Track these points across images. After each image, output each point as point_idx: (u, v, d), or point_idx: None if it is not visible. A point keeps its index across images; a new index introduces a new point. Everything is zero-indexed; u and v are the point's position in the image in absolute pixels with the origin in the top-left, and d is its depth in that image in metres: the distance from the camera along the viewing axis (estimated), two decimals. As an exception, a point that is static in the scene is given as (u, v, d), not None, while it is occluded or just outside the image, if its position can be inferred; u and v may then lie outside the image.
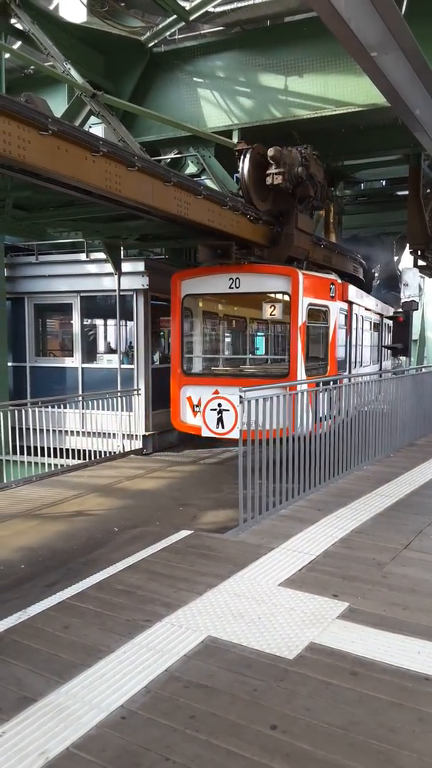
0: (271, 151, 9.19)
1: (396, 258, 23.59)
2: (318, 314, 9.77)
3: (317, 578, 4.16)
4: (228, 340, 11.76)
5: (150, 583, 4.10)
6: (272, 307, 9.66)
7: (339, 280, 10.49)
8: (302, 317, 9.21)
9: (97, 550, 5.26)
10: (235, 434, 5.49)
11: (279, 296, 9.67)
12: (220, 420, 5.81)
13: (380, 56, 6.47)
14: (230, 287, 9.55)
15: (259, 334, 12.11)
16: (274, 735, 2.52)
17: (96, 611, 3.69)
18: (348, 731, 2.54)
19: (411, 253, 16.32)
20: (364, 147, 13.77)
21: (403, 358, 19.84)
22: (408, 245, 19.59)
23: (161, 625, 3.48)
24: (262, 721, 2.61)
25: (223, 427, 5.83)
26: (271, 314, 9.78)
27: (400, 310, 17.35)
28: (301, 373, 9.13)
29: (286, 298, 9.34)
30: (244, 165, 9.35)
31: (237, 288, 9.51)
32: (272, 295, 9.81)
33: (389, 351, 17.27)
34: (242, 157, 9.28)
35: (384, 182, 20.50)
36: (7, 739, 2.50)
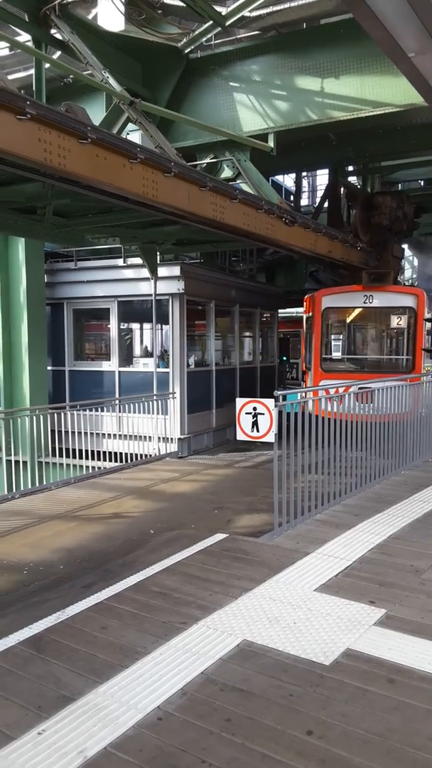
0: (378, 199, 13.17)
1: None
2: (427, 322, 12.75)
3: (354, 584, 4.13)
4: (357, 343, 13.75)
5: (185, 586, 4.13)
6: (399, 318, 12.51)
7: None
8: (425, 325, 12.30)
9: (133, 551, 5.32)
10: (270, 438, 5.50)
11: (404, 309, 12.51)
12: (255, 424, 5.82)
13: (418, 57, 6.39)
14: (365, 302, 12.42)
15: (382, 338, 13.94)
16: (309, 740, 2.52)
17: (133, 612, 3.74)
18: (385, 738, 2.52)
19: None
20: (401, 147, 13.62)
21: None
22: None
23: (197, 628, 3.50)
24: (298, 726, 2.61)
25: (258, 430, 5.85)
26: (397, 324, 12.61)
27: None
28: (422, 368, 12.17)
29: (412, 311, 12.33)
30: (356, 208, 13.36)
31: (370, 303, 12.39)
32: (399, 308, 12.56)
33: None
34: (356, 202, 13.48)
35: (422, 182, 20.21)
36: (47, 737, 2.56)
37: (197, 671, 3.04)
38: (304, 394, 6.75)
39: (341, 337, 13.20)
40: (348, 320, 13.21)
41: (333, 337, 13.10)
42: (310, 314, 13.04)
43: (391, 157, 15.57)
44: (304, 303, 14.00)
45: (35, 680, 3.02)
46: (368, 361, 13.39)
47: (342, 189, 15.92)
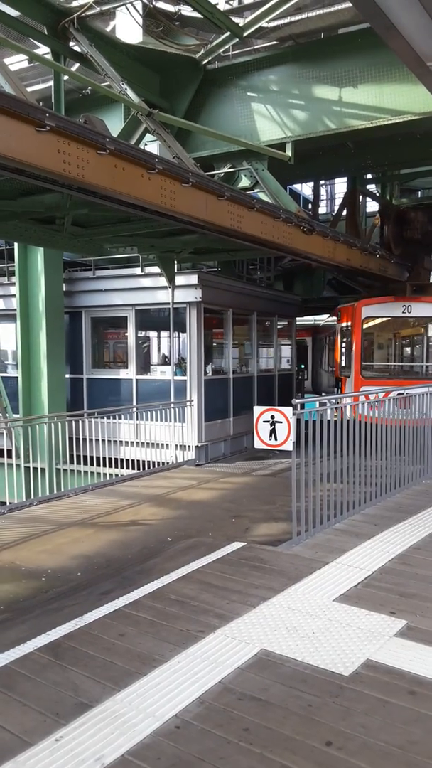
0: (410, 214, 14.14)
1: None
2: None
3: (374, 594, 4.09)
4: (396, 351, 14.21)
5: (203, 594, 4.11)
6: None
7: None
8: None
9: (150, 559, 5.31)
10: (288, 446, 5.49)
11: None
12: (272, 432, 5.81)
13: (436, 65, 6.38)
14: (403, 312, 12.90)
15: (420, 346, 14.31)
16: (329, 751, 2.49)
17: (150, 620, 3.74)
18: (406, 750, 2.48)
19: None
20: (421, 155, 13.55)
21: None
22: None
23: (214, 637, 3.49)
24: (317, 737, 2.58)
25: (276, 438, 5.83)
26: None
27: None
28: None
29: None
30: (389, 224, 14.31)
31: (409, 313, 12.86)
32: None
33: None
34: (389, 218, 14.41)
35: (441, 190, 20.10)
36: (64, 744, 2.56)
37: (215, 680, 3.02)
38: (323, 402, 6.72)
39: (381, 345, 13.81)
40: (387, 329, 13.75)
41: (373, 345, 13.72)
42: (348, 323, 13.46)
43: (410, 165, 15.51)
44: (339, 312, 14.50)
45: (53, 687, 3.02)
46: (407, 368, 13.89)
47: (376, 206, 16.72)
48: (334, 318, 19.11)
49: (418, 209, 14.86)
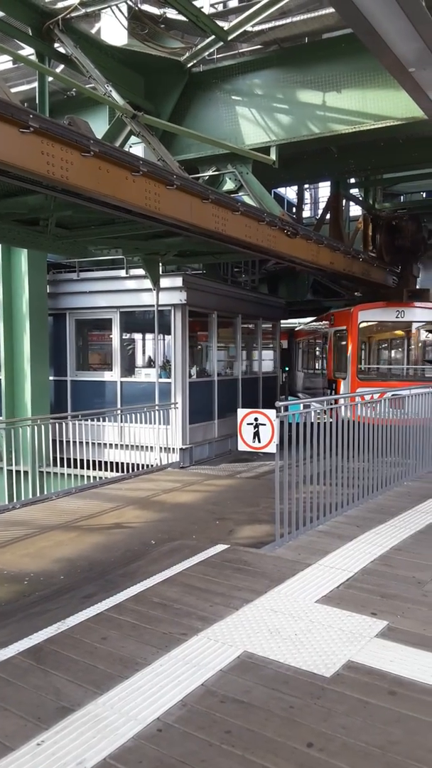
0: (401, 223, 15.09)
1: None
2: None
3: (355, 596, 4.12)
4: (390, 353, 15.02)
5: (186, 597, 4.12)
6: (430, 331, 13.63)
7: None
8: None
9: (134, 562, 5.31)
10: (271, 449, 5.52)
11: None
12: (256, 434, 5.83)
13: (419, 71, 6.46)
14: (396, 317, 13.45)
15: (412, 349, 14.78)
16: (310, 753, 2.50)
17: (133, 623, 3.73)
18: (386, 751, 2.51)
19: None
20: (403, 160, 13.72)
21: None
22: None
23: (197, 639, 3.49)
24: (298, 738, 2.59)
25: (259, 441, 5.86)
26: (427, 336, 13.77)
27: None
28: None
29: None
30: (382, 233, 15.15)
31: (402, 317, 13.43)
32: (428, 323, 13.58)
33: None
34: (381, 227, 15.25)
35: (424, 194, 20.31)
36: (45, 748, 2.54)
37: (197, 683, 3.03)
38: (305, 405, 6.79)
39: (377, 347, 14.66)
40: (382, 333, 14.48)
41: (369, 348, 14.51)
42: (344, 327, 14.08)
43: (393, 170, 15.68)
44: (332, 317, 15.17)
45: (34, 691, 3.01)
46: (401, 370, 14.46)
47: (360, 210, 17.25)
48: (312, 322, 19.66)
49: (409, 219, 15.53)
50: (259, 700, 2.89)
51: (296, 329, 22.01)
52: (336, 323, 14.78)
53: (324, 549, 5.05)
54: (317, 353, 18.06)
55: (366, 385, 12.83)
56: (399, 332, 14.22)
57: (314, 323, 19.31)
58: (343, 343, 14.06)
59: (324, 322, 16.36)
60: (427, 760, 2.45)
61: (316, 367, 19.37)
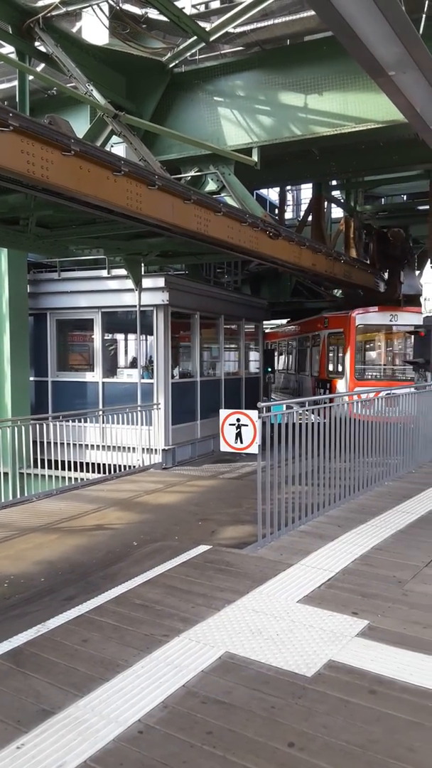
0: (392, 234, 16.25)
1: (418, 273, 23.70)
2: None
3: (336, 595, 4.14)
4: (385, 355, 15.44)
5: (168, 598, 4.11)
6: (420, 335, 13.89)
7: None
8: None
9: (115, 564, 5.28)
10: (254, 449, 5.52)
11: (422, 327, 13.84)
12: (238, 435, 5.84)
13: (398, 75, 6.50)
14: (390, 320, 14.36)
15: (404, 351, 15.33)
16: (291, 752, 2.51)
17: (114, 625, 3.71)
18: (366, 749, 2.52)
19: (433, 267, 17.12)
20: (384, 162, 13.84)
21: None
22: (430, 260, 19.60)
23: (179, 641, 3.48)
24: (279, 738, 2.60)
25: (241, 442, 5.87)
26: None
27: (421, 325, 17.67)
28: None
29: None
30: (373, 242, 16.55)
31: (395, 321, 14.29)
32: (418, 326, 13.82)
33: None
34: (375, 236, 16.58)
35: (405, 197, 20.50)
36: (25, 752, 2.52)
37: (178, 684, 3.02)
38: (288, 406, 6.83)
39: (372, 349, 15.39)
40: (377, 335, 15.20)
41: (364, 349, 15.29)
42: (341, 330, 14.91)
43: (374, 172, 15.82)
44: (326, 320, 15.81)
45: (14, 694, 2.98)
46: (394, 370, 15.20)
47: (341, 212, 17.82)
48: (285, 325, 19.93)
49: (399, 229, 16.86)
50: (241, 701, 2.89)
51: (269, 331, 22.39)
52: (330, 326, 15.38)
53: (306, 549, 5.07)
54: (292, 355, 18.49)
55: (363, 384, 13.52)
56: (394, 334, 14.96)
57: (288, 326, 19.67)
58: (339, 344, 14.80)
59: (293, 326, 17.05)
60: (407, 758, 2.47)
61: (289, 368, 20.72)
